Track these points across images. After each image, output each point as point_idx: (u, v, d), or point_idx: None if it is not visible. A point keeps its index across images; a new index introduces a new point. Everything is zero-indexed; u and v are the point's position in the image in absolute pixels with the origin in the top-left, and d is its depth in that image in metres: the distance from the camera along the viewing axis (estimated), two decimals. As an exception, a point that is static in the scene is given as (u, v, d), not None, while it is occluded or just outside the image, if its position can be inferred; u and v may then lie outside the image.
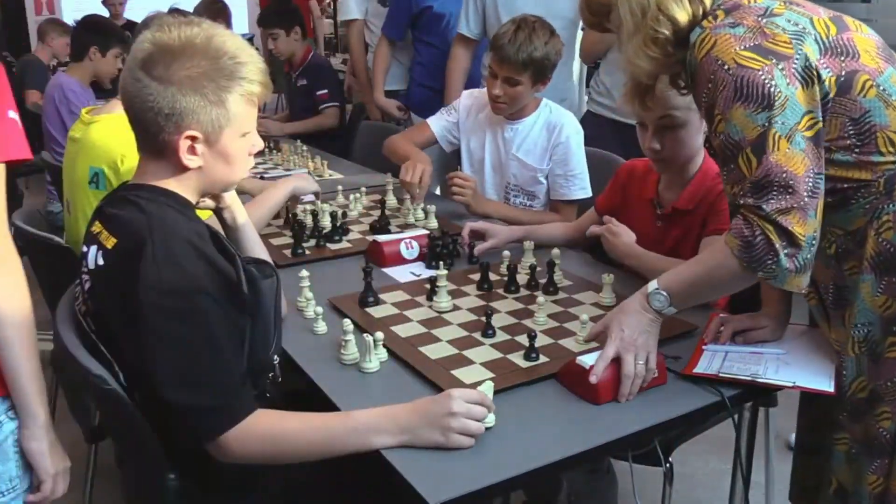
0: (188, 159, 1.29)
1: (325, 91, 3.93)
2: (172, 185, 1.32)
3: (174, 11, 2.13)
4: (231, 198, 1.52)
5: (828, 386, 1.39)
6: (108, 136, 2.02)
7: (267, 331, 1.35)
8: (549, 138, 2.41)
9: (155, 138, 1.28)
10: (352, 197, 2.48)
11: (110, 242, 1.26)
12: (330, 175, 2.97)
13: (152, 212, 1.26)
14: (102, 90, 3.94)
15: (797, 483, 1.64)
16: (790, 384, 1.38)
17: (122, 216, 1.28)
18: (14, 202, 3.44)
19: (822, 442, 1.50)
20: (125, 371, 1.28)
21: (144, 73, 1.25)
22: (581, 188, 2.41)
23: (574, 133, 2.41)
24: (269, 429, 1.23)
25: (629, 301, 1.44)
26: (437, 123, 2.60)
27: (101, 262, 1.26)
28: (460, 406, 1.21)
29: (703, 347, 1.52)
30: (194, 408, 1.20)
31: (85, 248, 1.32)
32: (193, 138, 1.27)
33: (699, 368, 1.43)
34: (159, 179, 1.32)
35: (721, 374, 1.40)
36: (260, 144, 1.40)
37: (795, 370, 1.43)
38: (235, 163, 1.35)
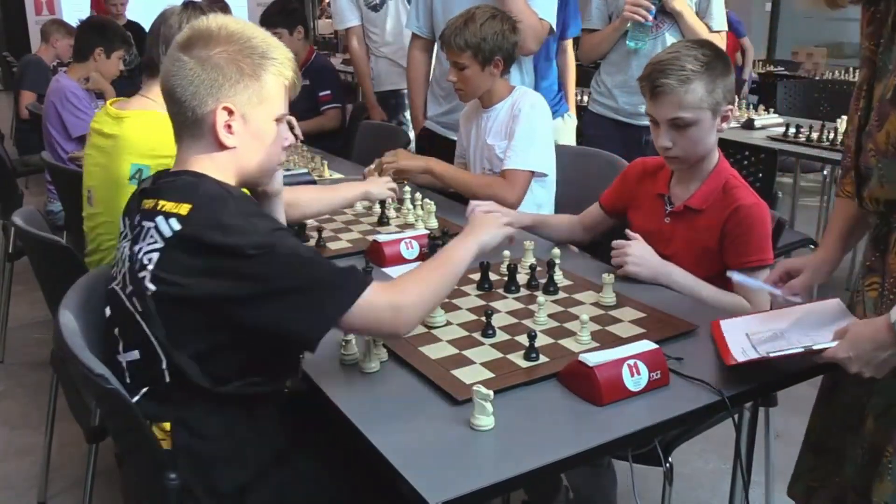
0: (224, 136, 1.34)
1: (328, 92, 3.94)
2: (210, 170, 1.36)
3: (189, 4, 2.13)
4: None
5: None
6: (149, 133, 2.01)
7: None
8: (509, 116, 2.44)
9: (194, 114, 1.33)
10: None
11: (183, 209, 1.28)
12: (330, 175, 2.97)
13: (206, 180, 1.34)
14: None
15: (800, 480, 1.63)
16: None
17: (182, 186, 1.32)
18: (14, 202, 3.45)
19: (837, 444, 1.49)
20: (172, 342, 1.27)
21: (183, 54, 1.33)
22: (516, 160, 2.37)
23: (528, 107, 2.41)
24: (389, 299, 1.33)
25: (877, 330, 1.30)
26: (457, 148, 2.73)
27: (177, 227, 1.26)
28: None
29: (724, 335, 1.49)
30: (316, 295, 1.26)
31: (146, 222, 1.30)
32: (230, 111, 1.33)
33: (738, 355, 1.40)
34: (198, 164, 1.36)
35: (771, 354, 1.36)
36: (291, 139, 1.46)
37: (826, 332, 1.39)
38: (268, 148, 1.41)
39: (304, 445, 1.44)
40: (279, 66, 1.37)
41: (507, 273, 1.80)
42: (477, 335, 1.56)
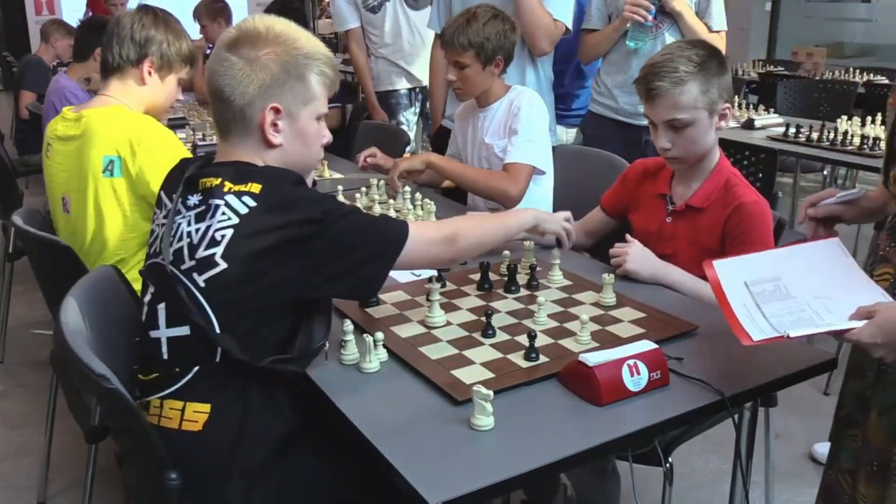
0: (272, 135, 1.40)
1: None
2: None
3: (142, 7, 2.18)
4: None
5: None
6: (115, 124, 2.04)
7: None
8: (507, 115, 2.44)
9: (242, 112, 1.38)
10: (356, 195, 2.49)
11: (255, 188, 1.32)
12: (330, 175, 2.97)
13: (262, 166, 1.40)
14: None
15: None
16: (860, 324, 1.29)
17: (245, 170, 1.37)
18: (14, 202, 3.45)
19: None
20: (228, 318, 1.31)
21: (231, 54, 1.38)
22: (518, 155, 2.36)
23: (527, 105, 2.41)
24: (442, 233, 1.53)
25: None
26: (450, 147, 2.73)
27: (252, 203, 1.31)
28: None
29: (720, 283, 1.41)
30: (375, 251, 1.39)
31: (215, 201, 1.32)
32: (277, 111, 1.39)
33: (758, 334, 1.32)
34: (245, 160, 1.40)
35: (790, 335, 1.29)
36: (329, 137, 1.51)
37: (846, 305, 1.33)
38: (311, 145, 1.47)
39: (305, 443, 1.44)
40: (322, 66, 1.43)
41: (507, 273, 1.80)
42: (477, 335, 1.56)
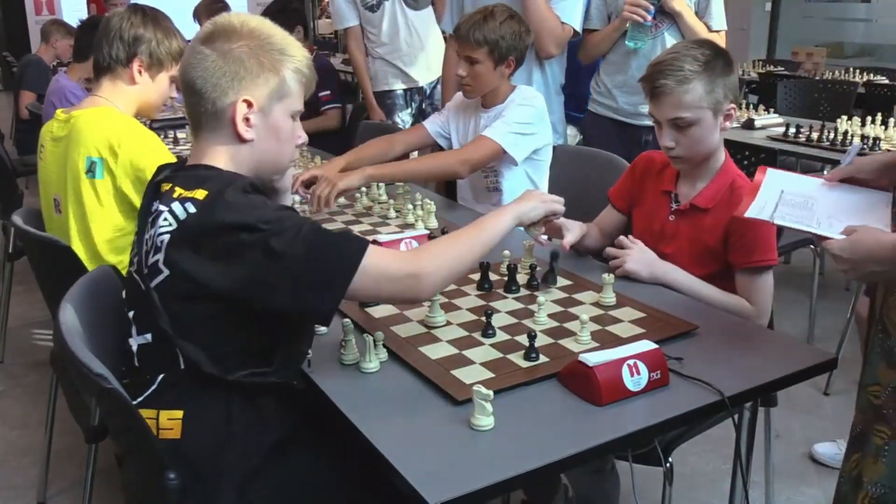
0: (243, 129, 1.37)
1: (328, 92, 3.95)
2: (227, 161, 1.39)
3: (131, 6, 2.19)
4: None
5: None
6: (99, 126, 2.05)
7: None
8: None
9: (213, 105, 1.36)
10: (356, 196, 2.49)
11: (200, 194, 1.30)
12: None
13: (221, 172, 1.37)
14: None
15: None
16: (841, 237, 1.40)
17: (198, 176, 1.35)
18: (14, 202, 3.45)
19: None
20: (182, 326, 1.29)
21: (205, 46, 1.36)
22: (493, 132, 2.36)
23: (521, 98, 2.41)
24: (408, 267, 1.36)
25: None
26: (431, 123, 2.68)
27: (192, 209, 1.29)
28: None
29: (761, 183, 1.52)
30: (324, 266, 1.28)
31: (161, 206, 1.32)
32: (249, 105, 1.36)
33: (753, 211, 1.48)
34: (215, 157, 1.39)
35: (774, 220, 1.46)
36: (304, 137, 1.49)
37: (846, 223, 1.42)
38: (284, 143, 1.44)
39: (304, 443, 1.44)
40: (297, 63, 1.40)
41: (507, 273, 1.80)
42: (477, 335, 1.56)
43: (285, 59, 1.39)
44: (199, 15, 4.65)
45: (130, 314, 1.37)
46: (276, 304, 1.27)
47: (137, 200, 2.02)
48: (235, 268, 1.25)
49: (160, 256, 1.29)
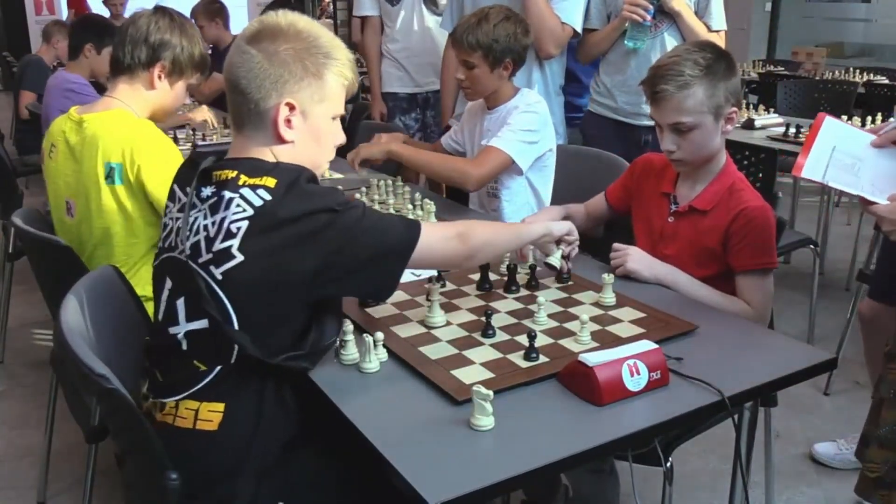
0: (284, 131, 1.39)
1: None
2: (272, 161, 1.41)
3: (159, 9, 2.17)
4: None
5: None
6: (114, 130, 2.04)
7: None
8: (510, 116, 2.43)
9: (257, 106, 1.38)
10: (356, 195, 2.49)
11: (270, 182, 1.33)
12: (330, 175, 2.97)
13: (279, 163, 1.39)
14: (103, 89, 3.94)
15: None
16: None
17: (259, 165, 1.37)
18: (14, 202, 3.45)
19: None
20: (244, 311, 1.32)
21: (251, 46, 1.38)
22: (499, 142, 2.36)
23: (525, 105, 2.41)
24: (455, 237, 1.53)
25: None
26: (446, 138, 2.73)
27: (267, 196, 1.31)
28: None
29: (818, 133, 1.56)
30: (388, 251, 1.39)
31: (228, 193, 1.33)
32: (292, 107, 1.38)
33: (808, 172, 1.55)
34: (258, 154, 1.41)
35: (827, 182, 1.54)
36: (343, 138, 1.51)
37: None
38: (323, 145, 1.47)
39: (308, 443, 1.44)
40: (341, 66, 1.42)
41: (507, 273, 1.80)
42: (477, 335, 1.56)
43: (330, 63, 1.40)
44: (197, 15, 4.64)
45: (179, 301, 1.36)
46: (351, 287, 1.40)
47: (150, 208, 2.04)
48: (315, 252, 1.30)
49: (234, 242, 1.29)
